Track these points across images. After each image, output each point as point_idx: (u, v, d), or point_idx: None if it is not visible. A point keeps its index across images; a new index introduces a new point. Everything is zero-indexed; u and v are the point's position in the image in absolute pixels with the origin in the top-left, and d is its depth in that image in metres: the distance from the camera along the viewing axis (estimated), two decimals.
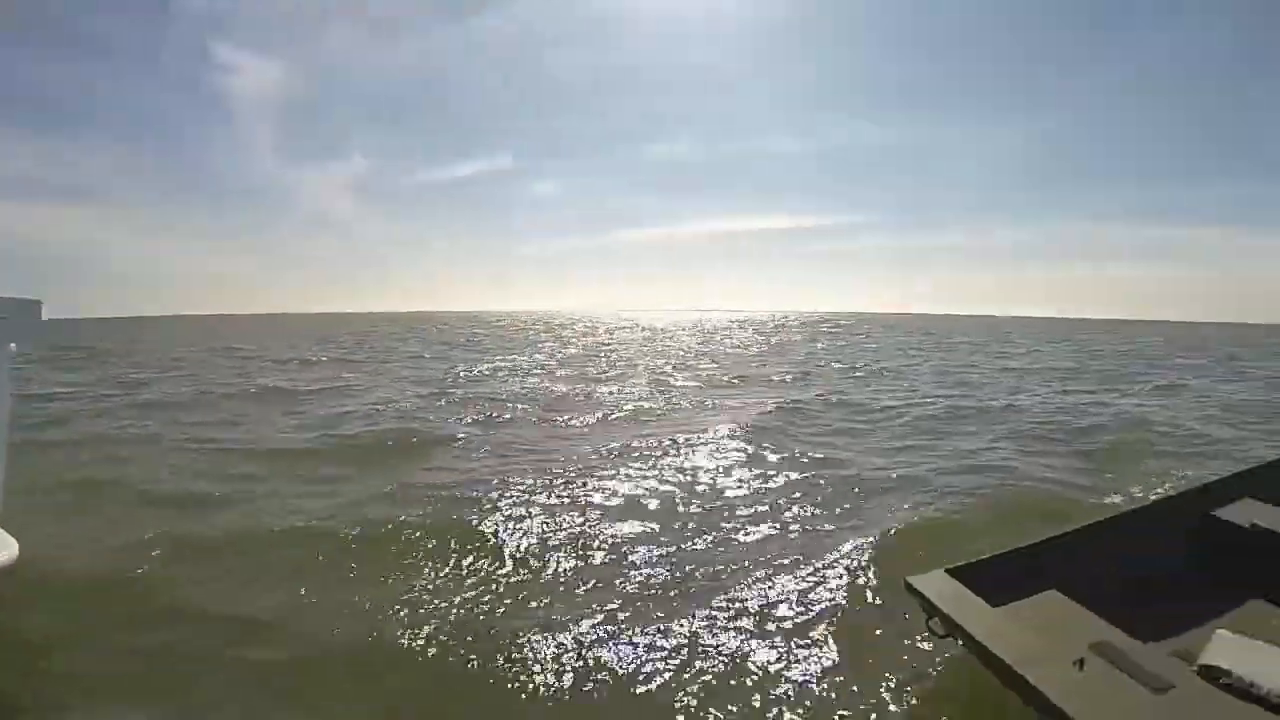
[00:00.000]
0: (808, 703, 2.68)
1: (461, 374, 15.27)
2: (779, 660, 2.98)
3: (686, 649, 3.06)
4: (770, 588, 3.70)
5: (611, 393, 11.81)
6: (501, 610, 3.49)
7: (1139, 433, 7.92)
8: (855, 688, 2.74)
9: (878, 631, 3.21)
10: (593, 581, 3.84)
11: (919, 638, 2.87)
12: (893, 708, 2.62)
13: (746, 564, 4.04)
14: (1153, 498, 3.92)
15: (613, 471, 6.13)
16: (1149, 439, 7.60)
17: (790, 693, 2.75)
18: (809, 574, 3.87)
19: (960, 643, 2.28)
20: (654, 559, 4.15)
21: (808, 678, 2.85)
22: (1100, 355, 23.14)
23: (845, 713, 2.60)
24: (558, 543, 4.38)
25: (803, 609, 3.45)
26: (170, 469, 6.30)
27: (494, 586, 3.80)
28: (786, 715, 2.60)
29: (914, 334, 39.60)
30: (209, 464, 6.53)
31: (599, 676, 2.86)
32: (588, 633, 3.19)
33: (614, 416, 9.31)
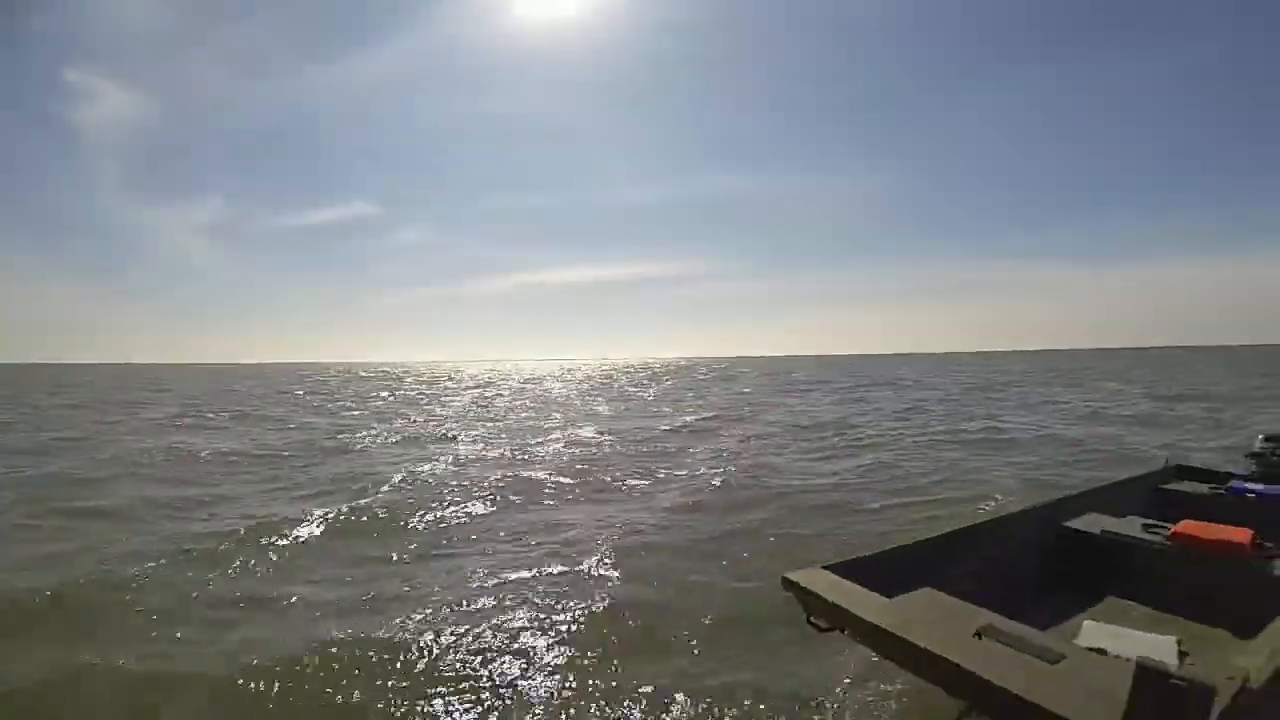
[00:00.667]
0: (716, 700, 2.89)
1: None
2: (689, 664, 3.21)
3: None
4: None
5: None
6: None
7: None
8: (750, 687, 2.95)
9: (767, 629, 3.46)
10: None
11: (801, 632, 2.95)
12: (795, 700, 2.86)
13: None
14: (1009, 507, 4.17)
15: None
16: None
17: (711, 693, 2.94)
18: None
19: (847, 633, 2.30)
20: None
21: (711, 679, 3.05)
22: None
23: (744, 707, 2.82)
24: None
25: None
26: None
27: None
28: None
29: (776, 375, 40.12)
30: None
31: None
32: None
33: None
